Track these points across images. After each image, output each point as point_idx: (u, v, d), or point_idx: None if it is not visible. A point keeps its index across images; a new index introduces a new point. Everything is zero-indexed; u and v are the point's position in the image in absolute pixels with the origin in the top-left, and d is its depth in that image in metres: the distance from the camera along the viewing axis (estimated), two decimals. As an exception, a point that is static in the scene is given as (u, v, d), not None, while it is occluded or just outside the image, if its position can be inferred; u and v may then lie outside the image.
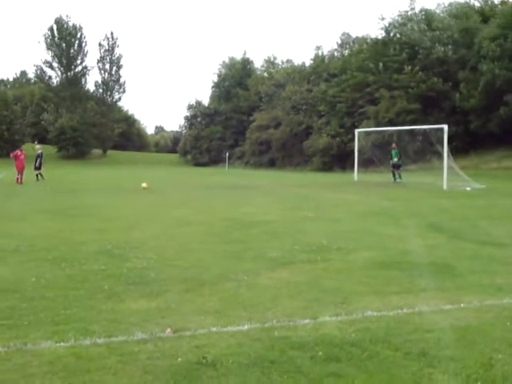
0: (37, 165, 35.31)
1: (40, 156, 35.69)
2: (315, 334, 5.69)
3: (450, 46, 51.71)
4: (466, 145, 46.61)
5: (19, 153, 33.96)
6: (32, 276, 8.22)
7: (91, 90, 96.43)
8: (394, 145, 35.64)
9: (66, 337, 5.59)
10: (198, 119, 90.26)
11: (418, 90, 50.99)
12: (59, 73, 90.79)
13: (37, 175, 34.86)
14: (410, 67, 52.18)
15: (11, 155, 34.86)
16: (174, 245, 11.31)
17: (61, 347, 5.32)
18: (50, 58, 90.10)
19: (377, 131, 45.46)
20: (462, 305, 6.78)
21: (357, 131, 41.32)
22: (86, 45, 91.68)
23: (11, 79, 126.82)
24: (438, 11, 59.32)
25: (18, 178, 32.33)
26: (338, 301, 6.95)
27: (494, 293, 7.37)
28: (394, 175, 34.52)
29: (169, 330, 5.79)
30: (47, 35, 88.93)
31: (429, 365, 4.86)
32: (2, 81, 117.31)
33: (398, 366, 4.83)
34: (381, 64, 54.72)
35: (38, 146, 37.68)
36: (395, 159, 34.57)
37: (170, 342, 5.47)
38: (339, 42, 77.82)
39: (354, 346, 5.29)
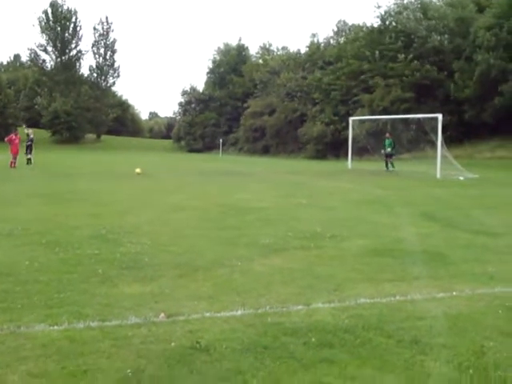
0: (28, 150, 35.17)
1: (31, 141, 35.54)
2: (308, 320, 5.72)
3: (445, 36, 51.63)
4: (459, 134, 46.64)
5: (14, 137, 33.82)
6: (26, 260, 8.22)
7: (85, 75, 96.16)
8: (387, 134, 35.60)
9: (60, 320, 5.59)
10: (193, 105, 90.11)
11: (412, 79, 50.93)
12: (53, 57, 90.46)
13: (28, 160, 34.75)
14: (404, 55, 52.10)
15: (6, 139, 34.73)
16: (168, 230, 11.32)
17: (54, 330, 5.33)
18: (44, 42, 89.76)
19: (371, 120, 45.44)
20: (454, 293, 6.81)
21: (351, 119, 41.30)
22: (80, 29, 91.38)
23: (5, 63, 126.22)
24: (434, 0, 59.17)
25: (12, 162, 32.19)
26: (332, 287, 6.98)
27: (486, 281, 7.41)
28: (386, 164, 34.55)
29: (162, 314, 5.80)
30: (42, 19, 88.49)
31: (421, 352, 4.89)
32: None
33: (390, 353, 4.86)
34: (377, 52, 54.59)
35: (30, 131, 37.49)
36: (388, 149, 34.57)
37: (164, 326, 5.49)
38: (335, 29, 77.74)
39: (346, 333, 5.32)
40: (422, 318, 5.81)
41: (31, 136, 35.69)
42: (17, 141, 33.36)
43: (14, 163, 32.10)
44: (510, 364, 4.64)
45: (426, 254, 9.23)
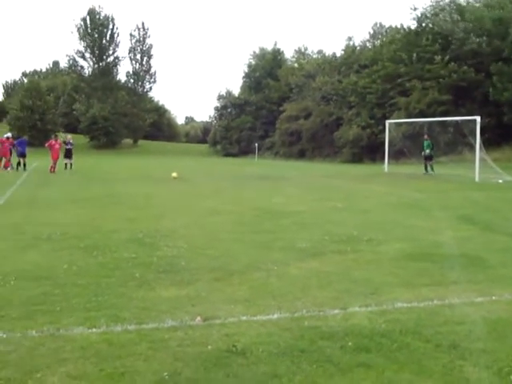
0: (67, 155, 35.64)
1: (71, 146, 36.02)
2: (345, 324, 5.69)
3: (483, 38, 50.83)
4: (498, 137, 45.82)
5: (53, 142, 34.22)
6: (64, 263, 8.33)
7: (122, 81, 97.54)
8: (426, 136, 35.18)
9: (98, 323, 5.66)
10: (229, 109, 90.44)
11: (449, 80, 50.26)
12: (91, 63, 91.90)
13: (65, 164, 35.25)
14: (440, 57, 51.49)
15: (46, 145, 35.17)
16: (204, 234, 11.37)
17: (93, 333, 5.39)
18: (82, 49, 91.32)
19: (408, 122, 45.01)
20: (493, 297, 6.70)
21: (387, 122, 40.96)
22: (117, 35, 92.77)
23: (44, 69, 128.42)
24: (470, 0, 58.31)
25: (51, 167, 32.58)
26: (368, 291, 6.93)
27: (526, 286, 7.28)
28: (425, 167, 34.04)
29: (199, 318, 5.82)
30: (80, 26, 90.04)
31: (460, 357, 4.82)
32: (36, 71, 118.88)
33: (428, 358, 4.80)
34: (414, 54, 54.05)
35: (69, 136, 38.01)
36: (427, 151, 34.07)
37: (200, 329, 5.51)
38: (371, 32, 77.31)
39: (383, 337, 5.27)
40: (461, 323, 5.73)
41: (71, 141, 36.16)
42: (57, 146, 33.61)
43: (54, 168, 32.49)
44: (551, 370, 4.55)
45: (464, 257, 9.10)
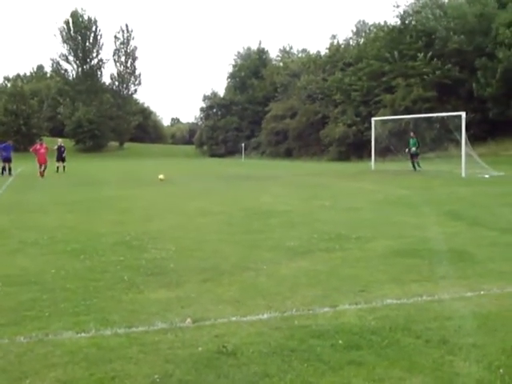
0: (60, 158, 35.63)
1: (64, 149, 36.20)
2: (335, 322, 5.68)
3: (465, 35, 50.94)
4: (483, 132, 46.08)
5: (38, 146, 33.97)
6: (52, 268, 8.29)
7: (107, 83, 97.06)
8: (412, 133, 35.26)
9: (87, 327, 5.63)
10: (214, 110, 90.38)
11: (433, 77, 50.48)
12: (75, 66, 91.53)
13: (57, 167, 35.09)
14: (422, 54, 51.69)
15: (31, 149, 34.96)
16: (192, 235, 11.35)
17: (82, 337, 5.36)
18: (66, 52, 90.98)
19: (393, 120, 45.16)
20: (482, 292, 6.73)
21: (373, 120, 41.06)
22: (101, 38, 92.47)
23: (28, 73, 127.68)
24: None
25: (40, 172, 32.30)
26: (358, 289, 6.94)
27: (514, 280, 7.32)
28: (413, 164, 34.10)
29: (189, 319, 5.80)
30: (63, 29, 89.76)
31: (450, 352, 4.83)
32: (19, 76, 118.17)
33: (418, 354, 4.81)
34: (396, 52, 54.23)
35: (60, 140, 38.07)
36: (413, 148, 34.13)
37: (190, 331, 5.49)
38: (354, 30, 77.49)
39: (374, 334, 5.28)
40: (450, 318, 5.74)
41: (62, 144, 36.24)
42: (42, 150, 33.26)
43: (42, 172, 32.23)
44: (541, 363, 4.57)
45: (452, 253, 9.13)
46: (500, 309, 6.07)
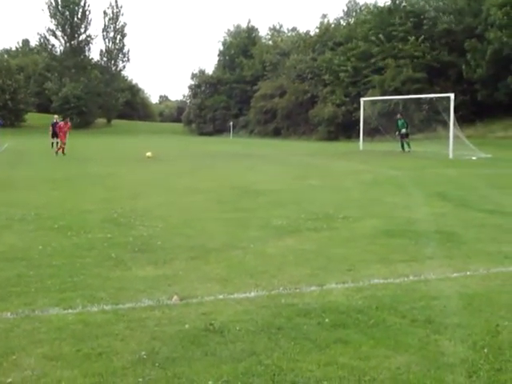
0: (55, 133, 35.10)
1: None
2: (322, 301, 5.70)
3: (455, 16, 50.81)
4: (471, 114, 46.24)
5: (62, 124, 33.02)
6: (39, 244, 8.25)
7: (95, 59, 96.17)
8: (399, 115, 35.26)
9: (74, 304, 5.61)
10: (202, 88, 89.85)
11: (423, 60, 50.51)
12: (63, 41, 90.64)
13: (52, 143, 34.66)
14: (414, 37, 51.60)
15: (58, 127, 33.28)
16: (180, 213, 11.33)
17: (69, 314, 5.35)
18: (53, 27, 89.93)
19: (383, 100, 45.14)
20: (468, 273, 6.77)
21: (362, 100, 41.01)
22: (89, 13, 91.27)
23: (14, 48, 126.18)
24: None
25: (59, 148, 31.59)
26: (345, 268, 6.96)
27: (500, 261, 7.37)
28: (402, 145, 34.07)
29: (176, 297, 5.81)
30: (50, 3, 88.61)
31: (435, 331, 4.86)
32: (5, 50, 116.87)
33: (404, 333, 4.84)
34: (382, 35, 54.06)
35: (56, 117, 37.55)
36: (403, 130, 34.09)
37: (178, 309, 5.49)
38: (345, 9, 77.11)
39: (360, 313, 5.30)
40: (436, 298, 5.78)
41: (58, 121, 35.74)
42: (65, 129, 32.54)
43: (62, 149, 31.46)
44: (525, 343, 4.62)
45: (439, 234, 9.17)
46: (485, 289, 6.11)
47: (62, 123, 33.74)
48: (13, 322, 5.13)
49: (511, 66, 43.15)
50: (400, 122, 34.16)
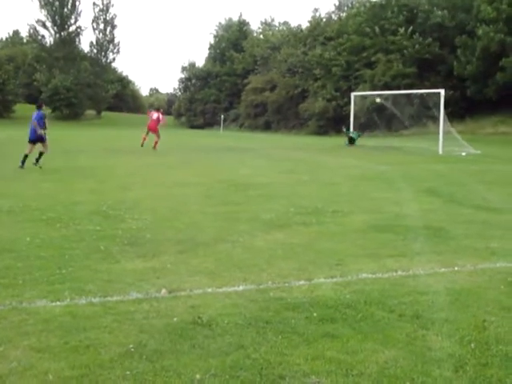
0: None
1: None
2: (310, 295, 5.71)
3: (448, 10, 50.92)
4: (461, 110, 46.42)
5: (154, 112, 31.20)
6: (27, 236, 8.20)
7: (85, 51, 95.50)
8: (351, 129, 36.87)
9: (62, 296, 5.59)
10: (193, 81, 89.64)
11: (413, 52, 50.57)
12: (52, 32, 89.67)
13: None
14: (403, 29, 51.65)
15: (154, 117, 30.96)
16: (169, 206, 11.30)
17: (56, 306, 5.33)
18: (43, 18, 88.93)
19: (373, 95, 45.17)
20: (455, 268, 6.80)
21: (353, 95, 41.03)
22: (79, 4, 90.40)
23: (3, 39, 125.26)
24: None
25: (144, 138, 29.96)
26: (333, 263, 6.97)
27: (487, 256, 7.40)
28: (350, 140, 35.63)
29: (164, 290, 5.80)
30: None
31: (422, 326, 4.89)
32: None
33: (392, 328, 4.86)
34: (377, 28, 54.08)
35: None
36: (352, 134, 35.86)
37: (166, 302, 5.49)
38: (337, 3, 77.06)
39: (348, 308, 5.32)
40: (424, 293, 5.80)
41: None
42: (154, 118, 30.38)
43: (155, 143, 29.35)
44: (511, 338, 4.65)
45: (427, 229, 9.20)
46: (473, 285, 6.14)
47: (153, 112, 31.55)
48: (0, 313, 5.11)
49: (500, 63, 43.28)
50: (355, 134, 35.26)
